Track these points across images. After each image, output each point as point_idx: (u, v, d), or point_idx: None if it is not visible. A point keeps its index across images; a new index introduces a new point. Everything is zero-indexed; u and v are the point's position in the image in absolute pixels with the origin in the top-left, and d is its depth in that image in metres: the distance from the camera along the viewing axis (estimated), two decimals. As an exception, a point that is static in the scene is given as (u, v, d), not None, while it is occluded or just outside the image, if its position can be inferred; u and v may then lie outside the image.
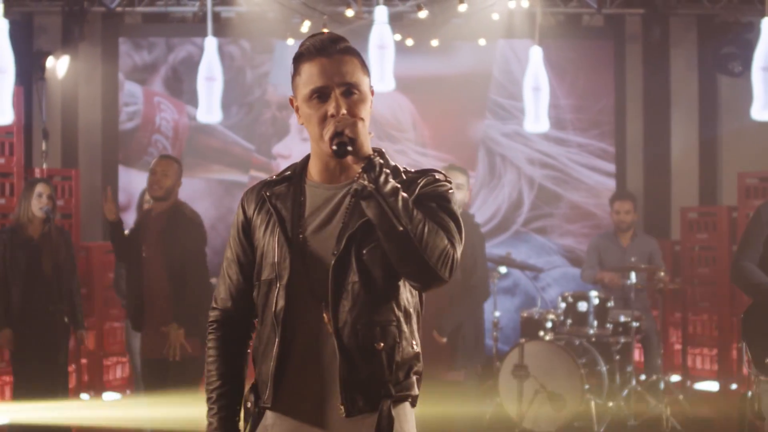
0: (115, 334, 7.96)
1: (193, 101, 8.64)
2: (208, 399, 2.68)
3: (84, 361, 7.67)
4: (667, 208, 9.75)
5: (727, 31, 9.29)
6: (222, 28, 9.17)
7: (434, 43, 9.01)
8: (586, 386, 7.20)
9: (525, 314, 7.77)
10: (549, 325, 7.57)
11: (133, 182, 7.62)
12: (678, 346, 8.81)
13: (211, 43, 8.32)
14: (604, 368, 7.48)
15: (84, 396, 7.66)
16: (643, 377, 7.87)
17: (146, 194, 7.23)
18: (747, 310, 4.83)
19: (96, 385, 7.76)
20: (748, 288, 4.87)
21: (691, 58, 9.79)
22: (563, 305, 7.59)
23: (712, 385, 8.43)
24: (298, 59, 2.61)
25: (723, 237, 8.49)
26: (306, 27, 8.24)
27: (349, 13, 8.02)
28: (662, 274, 7.68)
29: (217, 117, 8.50)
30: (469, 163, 9.40)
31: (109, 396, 7.91)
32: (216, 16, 8.90)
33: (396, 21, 8.86)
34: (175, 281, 5.67)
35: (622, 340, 7.56)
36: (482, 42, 9.14)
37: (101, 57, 9.45)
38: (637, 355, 8.00)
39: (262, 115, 9.54)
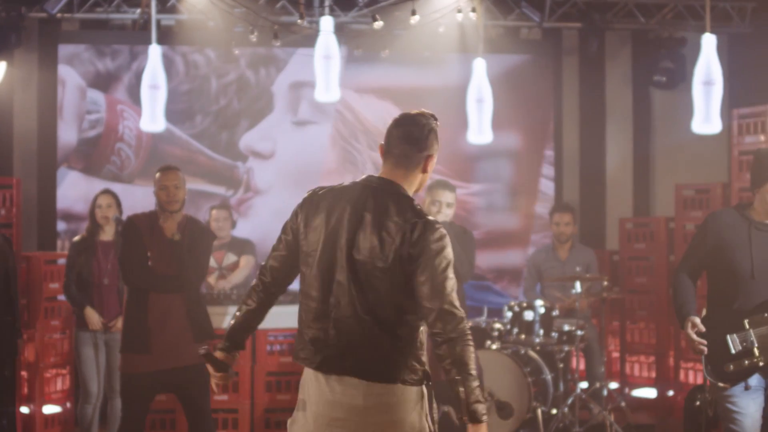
0: (56, 346, 7.81)
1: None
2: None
3: (24, 373, 7.51)
4: (602, 219, 9.94)
5: (661, 47, 9.52)
6: (162, 36, 9.07)
7: (384, 54, 9.07)
8: (533, 394, 7.31)
9: (470, 323, 7.84)
10: (495, 334, 7.66)
11: (94, 191, 7.50)
12: (616, 354, 8.98)
13: (154, 50, 8.24)
14: (549, 376, 7.59)
15: (24, 409, 7.50)
16: (585, 385, 8.01)
17: (98, 200, 7.13)
18: (703, 319, 4.95)
19: (36, 398, 7.60)
20: (673, 302, 5.03)
21: (625, 72, 10.01)
22: (509, 314, 7.69)
23: (649, 392, 8.62)
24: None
25: (660, 247, 8.68)
26: (255, 36, 8.22)
27: (305, 23, 8.01)
28: (605, 283, 7.79)
29: (161, 125, 8.42)
30: (463, 174, 9.50)
31: (49, 409, 7.76)
32: (156, 24, 8.80)
33: (341, 32, 8.89)
34: (192, 294, 5.76)
35: (566, 348, 7.69)
36: (427, 54, 9.22)
37: (38, 63, 9.28)
38: (580, 363, 8.14)
39: (229, 123, 9.52)
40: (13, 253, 6.10)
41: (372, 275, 3.41)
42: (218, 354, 3.70)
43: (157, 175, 5.85)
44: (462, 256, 6.01)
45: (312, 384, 3.53)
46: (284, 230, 3.63)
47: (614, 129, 10.01)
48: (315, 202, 3.56)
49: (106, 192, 7.25)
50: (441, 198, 6.15)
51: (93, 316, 6.89)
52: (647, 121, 10.01)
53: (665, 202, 9.48)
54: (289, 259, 3.63)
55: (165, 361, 5.70)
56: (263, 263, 3.72)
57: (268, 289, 3.69)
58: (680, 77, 9.37)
